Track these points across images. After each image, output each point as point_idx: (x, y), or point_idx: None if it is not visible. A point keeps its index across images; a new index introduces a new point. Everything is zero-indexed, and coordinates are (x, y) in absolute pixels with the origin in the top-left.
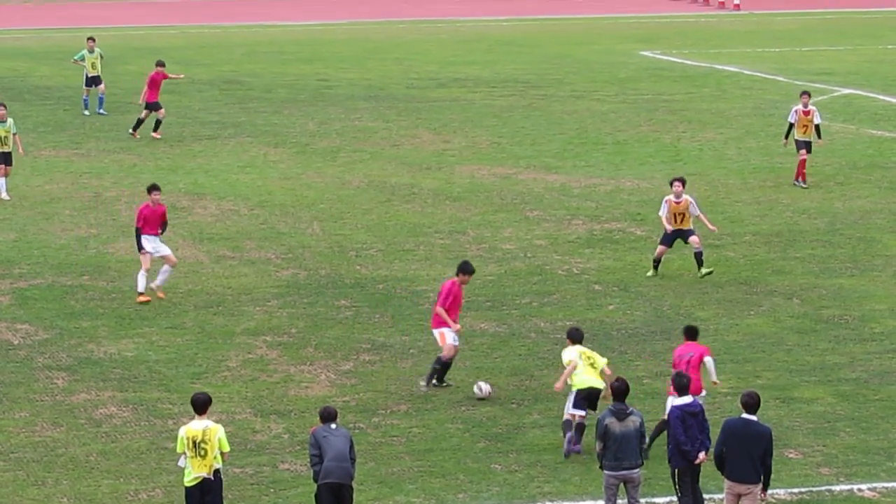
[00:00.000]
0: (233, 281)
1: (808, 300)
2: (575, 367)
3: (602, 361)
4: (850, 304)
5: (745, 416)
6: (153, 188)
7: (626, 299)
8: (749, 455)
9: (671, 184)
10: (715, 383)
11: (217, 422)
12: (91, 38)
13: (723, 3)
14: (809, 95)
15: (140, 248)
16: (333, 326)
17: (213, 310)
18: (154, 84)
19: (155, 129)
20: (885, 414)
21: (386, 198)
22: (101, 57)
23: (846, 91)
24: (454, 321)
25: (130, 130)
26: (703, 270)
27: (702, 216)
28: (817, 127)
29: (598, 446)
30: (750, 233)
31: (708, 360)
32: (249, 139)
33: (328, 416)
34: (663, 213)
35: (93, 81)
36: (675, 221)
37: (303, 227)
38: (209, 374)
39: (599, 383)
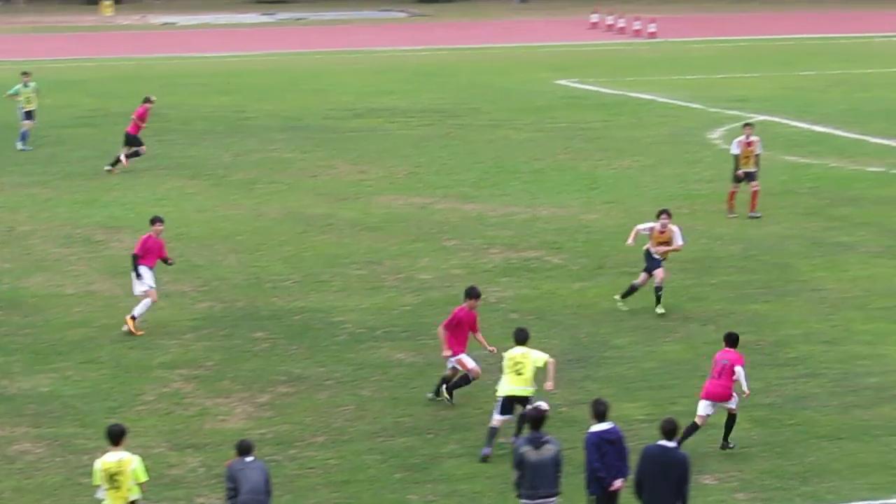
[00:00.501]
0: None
1: (724, 326)
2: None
3: (538, 363)
4: (764, 329)
5: (662, 442)
6: (156, 220)
7: (543, 328)
8: (666, 481)
9: (658, 215)
10: (745, 394)
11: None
12: (25, 73)
13: (638, 31)
14: (752, 127)
15: (138, 275)
16: (250, 359)
17: (129, 343)
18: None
19: (113, 164)
20: (800, 438)
21: (302, 229)
22: (37, 91)
23: (761, 117)
24: (462, 347)
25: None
26: (659, 310)
27: (676, 243)
28: (757, 157)
29: (514, 475)
30: (666, 260)
31: (738, 369)
32: (166, 171)
33: (244, 448)
34: (643, 226)
35: (28, 116)
36: (659, 250)
37: (219, 260)
38: (124, 408)
39: (521, 390)
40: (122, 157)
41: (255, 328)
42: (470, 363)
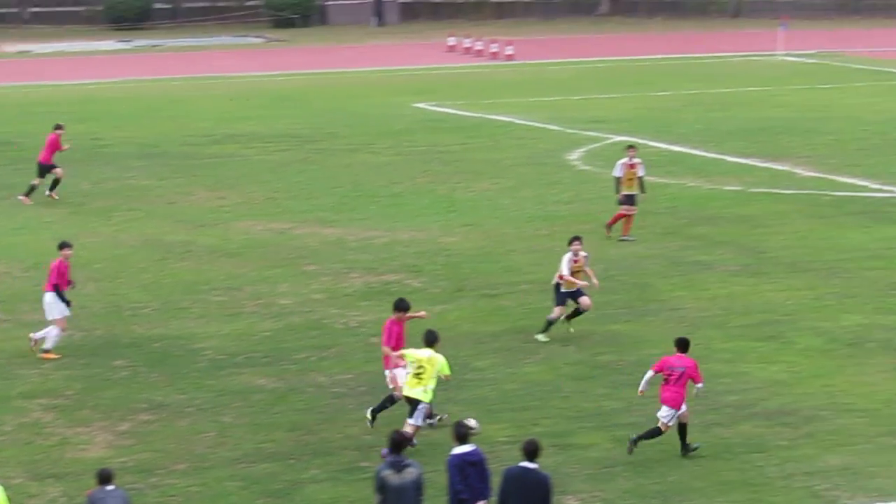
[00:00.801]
0: (7, 344)
1: (584, 347)
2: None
3: (444, 371)
4: (625, 349)
5: (524, 463)
6: (64, 245)
7: None
8: (528, 502)
9: (570, 243)
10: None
11: None
12: None
13: (495, 53)
14: (635, 149)
15: (68, 304)
16: (110, 387)
17: None
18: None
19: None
20: (661, 458)
21: (161, 256)
22: None
23: (619, 138)
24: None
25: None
26: (543, 338)
27: (589, 271)
28: (640, 179)
29: (376, 499)
30: (526, 281)
31: (699, 387)
32: (23, 200)
33: (105, 477)
34: (567, 270)
35: None
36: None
37: (77, 288)
38: None
39: (415, 393)
40: (48, 191)
41: (115, 356)
42: (401, 381)
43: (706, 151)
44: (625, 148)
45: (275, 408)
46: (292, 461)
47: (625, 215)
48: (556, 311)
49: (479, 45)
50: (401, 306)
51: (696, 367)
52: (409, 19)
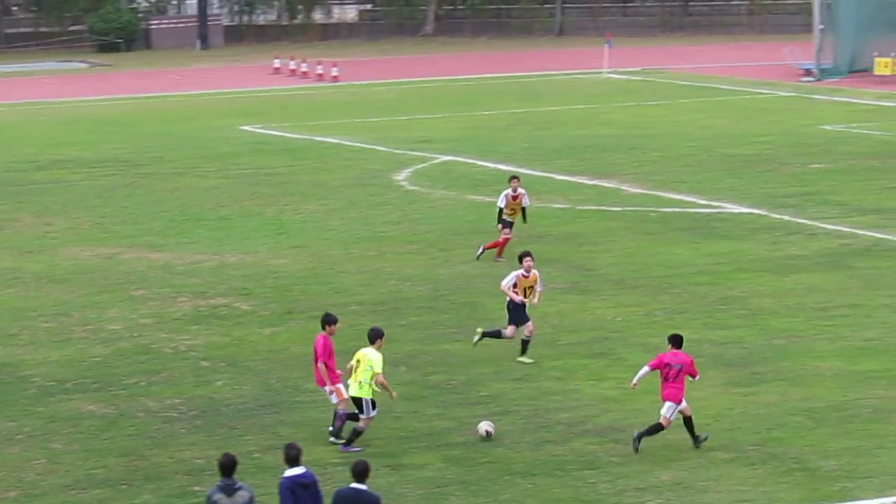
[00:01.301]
0: None
1: (415, 367)
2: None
3: (375, 368)
4: (456, 368)
5: (354, 485)
6: None
7: (235, 374)
8: None
9: (520, 259)
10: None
11: None
12: None
13: (321, 75)
14: (519, 179)
15: None
16: None
17: None
18: None
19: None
20: (494, 476)
21: None
22: None
23: (445, 158)
24: (336, 376)
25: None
26: (526, 360)
27: (537, 294)
28: (523, 210)
29: None
30: (356, 302)
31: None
32: None
33: None
34: (509, 284)
35: None
36: (525, 295)
37: None
38: None
39: (352, 391)
40: None
41: None
42: (345, 392)
43: (533, 170)
44: (508, 179)
45: (105, 433)
46: (124, 486)
47: (508, 240)
48: (510, 331)
49: (304, 67)
50: (329, 320)
51: (692, 363)
52: (234, 42)
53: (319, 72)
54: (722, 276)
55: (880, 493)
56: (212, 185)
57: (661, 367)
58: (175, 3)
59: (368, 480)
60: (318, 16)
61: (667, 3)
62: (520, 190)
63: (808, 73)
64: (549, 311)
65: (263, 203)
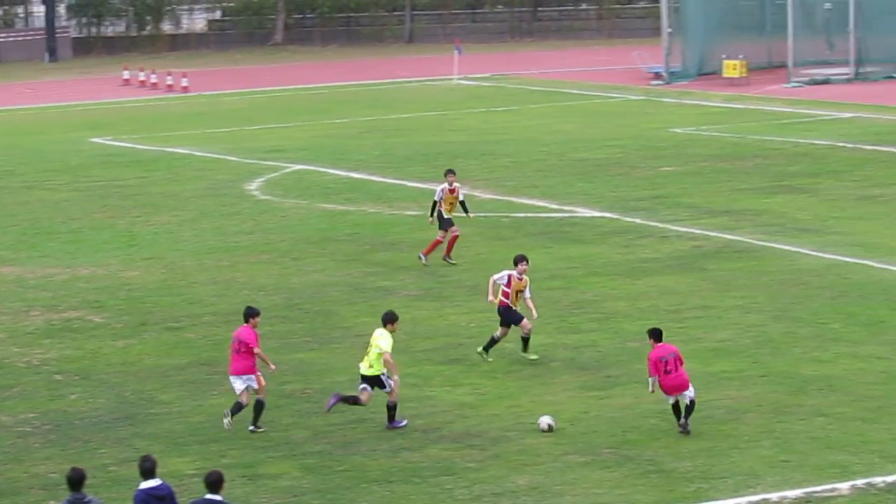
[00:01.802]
0: None
1: (270, 377)
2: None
3: (378, 349)
4: (311, 377)
5: (209, 496)
6: None
7: (89, 387)
8: None
9: (516, 262)
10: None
11: None
12: None
13: (171, 86)
14: (454, 173)
15: None
16: None
17: None
18: None
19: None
20: (351, 484)
21: None
22: None
23: (297, 167)
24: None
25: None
26: (532, 356)
27: (529, 301)
28: (462, 203)
29: None
30: (209, 313)
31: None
32: None
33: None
34: (497, 279)
35: None
36: (514, 299)
37: None
38: None
39: (364, 370)
40: None
41: None
42: (263, 379)
43: (385, 177)
44: (445, 173)
45: None
46: None
47: (440, 242)
48: (500, 332)
49: (154, 78)
50: (252, 313)
51: (678, 350)
52: (83, 54)
53: (169, 83)
54: (575, 280)
55: (735, 493)
56: (62, 198)
57: (659, 365)
58: (22, 16)
59: (224, 491)
60: (166, 26)
61: (516, 10)
62: (456, 183)
63: (657, 76)
64: (404, 319)
65: (115, 215)
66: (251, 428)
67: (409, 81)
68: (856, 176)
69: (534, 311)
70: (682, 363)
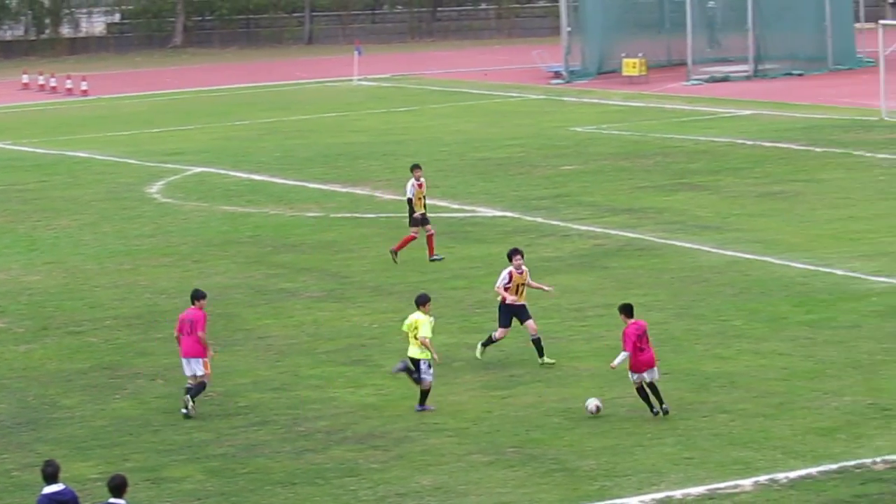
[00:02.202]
0: None
1: (173, 380)
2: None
3: (421, 332)
4: (214, 380)
5: (112, 500)
6: None
7: None
8: None
9: (510, 257)
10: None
11: None
12: None
13: (70, 89)
14: (421, 168)
15: None
16: None
17: None
18: None
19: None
20: (254, 486)
21: None
22: None
23: (198, 169)
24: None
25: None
26: (547, 360)
27: (533, 284)
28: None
29: None
30: (111, 317)
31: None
32: None
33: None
34: (501, 284)
35: None
36: (518, 293)
37: None
38: None
39: (413, 352)
40: None
41: None
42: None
43: (286, 179)
44: (410, 168)
45: None
46: None
47: (413, 238)
48: (499, 333)
49: (53, 82)
50: (199, 296)
51: (647, 325)
52: None
53: (69, 86)
54: (477, 280)
55: (639, 491)
56: None
57: (634, 341)
58: None
59: (127, 495)
60: (65, 30)
61: (415, 10)
62: (423, 178)
63: (557, 75)
64: (306, 321)
65: (15, 220)
66: (184, 410)
67: (309, 83)
68: (756, 173)
69: (545, 287)
70: (648, 340)
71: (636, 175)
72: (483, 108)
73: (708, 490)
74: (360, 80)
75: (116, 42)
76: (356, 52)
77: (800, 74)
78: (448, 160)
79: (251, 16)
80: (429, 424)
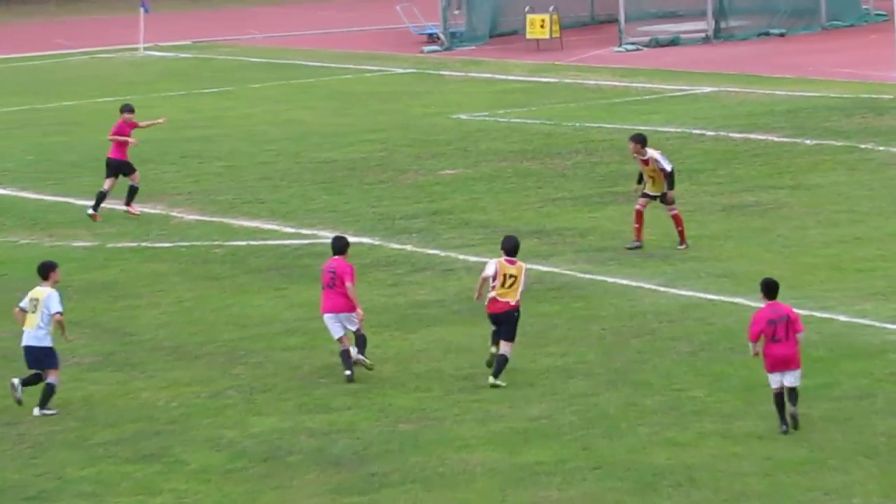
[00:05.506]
0: None
1: None
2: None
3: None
4: None
5: None
6: None
7: None
8: None
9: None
10: None
11: None
12: None
13: None
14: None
15: None
16: None
17: None
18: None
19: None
20: None
21: None
22: None
23: None
24: None
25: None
26: (499, 382)
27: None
28: None
29: None
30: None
31: None
32: None
33: None
34: (490, 272)
35: None
36: (507, 290)
37: None
38: None
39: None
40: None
41: None
42: None
43: (44, 193)
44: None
45: None
46: None
47: None
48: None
49: None
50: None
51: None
52: None
53: None
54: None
55: None
56: None
57: (767, 327)
58: None
59: None
60: None
61: None
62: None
63: (432, 39)
64: (74, 398)
65: None
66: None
67: (75, 54)
68: (719, 176)
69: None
70: (797, 331)
71: (548, 182)
72: (327, 88)
73: None
74: (147, 48)
75: None
76: (142, 9)
77: (781, 35)
78: (277, 163)
79: None
80: None
